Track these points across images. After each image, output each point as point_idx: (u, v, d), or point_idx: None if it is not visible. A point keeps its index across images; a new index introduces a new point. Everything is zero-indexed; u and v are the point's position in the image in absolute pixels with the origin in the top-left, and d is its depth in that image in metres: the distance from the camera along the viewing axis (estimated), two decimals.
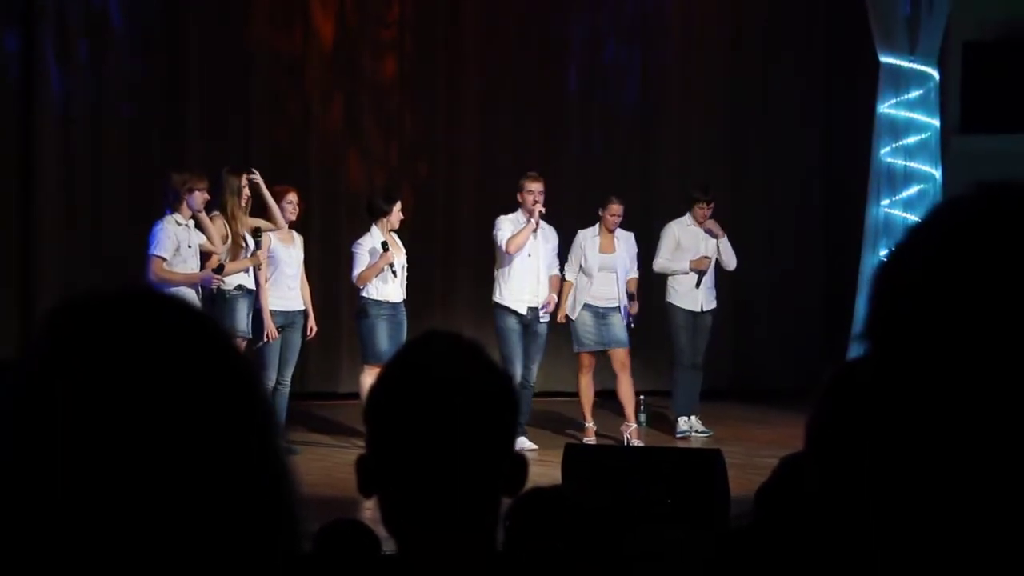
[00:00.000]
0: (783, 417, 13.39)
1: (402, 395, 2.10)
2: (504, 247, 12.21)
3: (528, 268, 12.29)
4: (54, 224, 14.06)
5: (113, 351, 1.25)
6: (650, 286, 13.30)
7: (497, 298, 12.35)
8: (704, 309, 13.09)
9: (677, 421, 13.10)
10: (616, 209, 12.64)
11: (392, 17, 15.66)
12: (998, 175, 1.26)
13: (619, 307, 12.57)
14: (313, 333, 12.12)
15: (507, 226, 12.28)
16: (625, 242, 12.73)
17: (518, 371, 12.01)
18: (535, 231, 12.25)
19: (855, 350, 13.98)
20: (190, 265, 11.24)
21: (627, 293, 12.61)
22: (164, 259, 11.11)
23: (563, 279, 12.65)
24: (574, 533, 2.91)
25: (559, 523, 2.83)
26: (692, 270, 12.96)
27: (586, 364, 12.62)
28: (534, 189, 12.23)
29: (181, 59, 14.66)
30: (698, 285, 12.97)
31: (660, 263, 13.05)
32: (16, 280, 13.97)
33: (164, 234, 11.14)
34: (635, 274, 12.78)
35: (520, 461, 2.15)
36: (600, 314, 12.55)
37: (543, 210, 12.20)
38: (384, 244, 11.98)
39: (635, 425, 12.64)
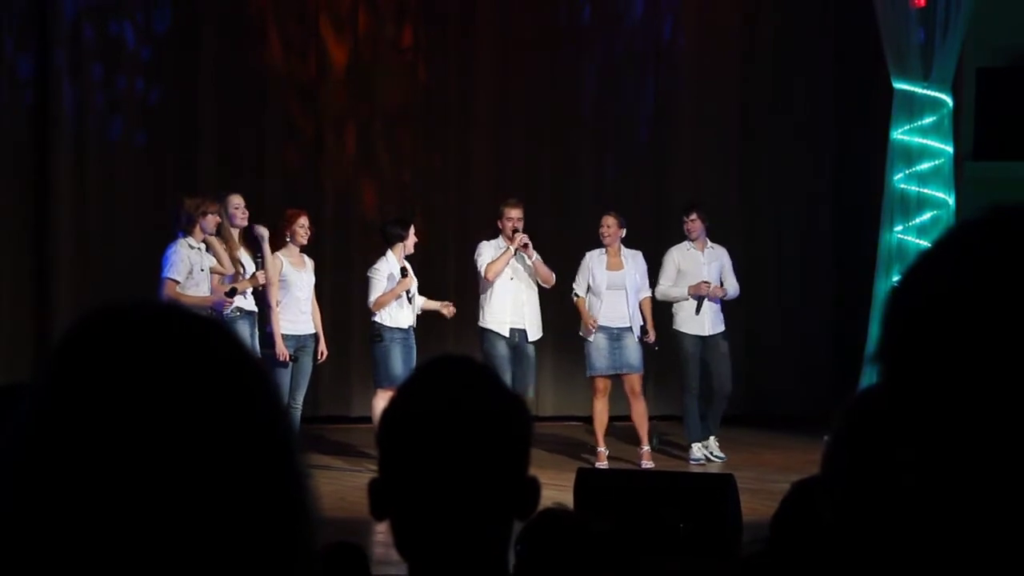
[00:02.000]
0: (795, 442, 13.37)
1: (414, 419, 2.10)
2: (483, 274, 12.31)
3: (508, 290, 12.37)
4: (69, 246, 14.11)
5: (129, 365, 1.25)
6: (659, 311, 13.27)
7: (481, 323, 12.44)
8: (711, 332, 13.05)
9: (691, 448, 13.06)
10: (607, 221, 12.69)
11: (405, 43, 15.69)
12: (1012, 201, 1.26)
13: (631, 327, 12.54)
14: (324, 357, 12.13)
15: (487, 252, 12.43)
16: (633, 260, 12.73)
17: None
18: (522, 255, 12.34)
19: (867, 375, 13.95)
20: (202, 288, 11.26)
21: (642, 317, 12.60)
22: (177, 282, 11.13)
23: (576, 296, 12.70)
24: (586, 557, 2.91)
25: (570, 547, 2.83)
26: (691, 295, 12.93)
27: (600, 388, 12.60)
28: (513, 216, 12.41)
29: (195, 84, 14.71)
30: (697, 311, 12.94)
31: (661, 289, 13.02)
32: (31, 303, 14.01)
33: (178, 257, 11.17)
34: (647, 293, 12.77)
35: (532, 484, 2.15)
36: (614, 335, 12.53)
37: (527, 240, 12.27)
38: (403, 270, 12.04)
39: (647, 447, 12.62)
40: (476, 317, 15.12)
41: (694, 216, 13.16)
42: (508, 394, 2.17)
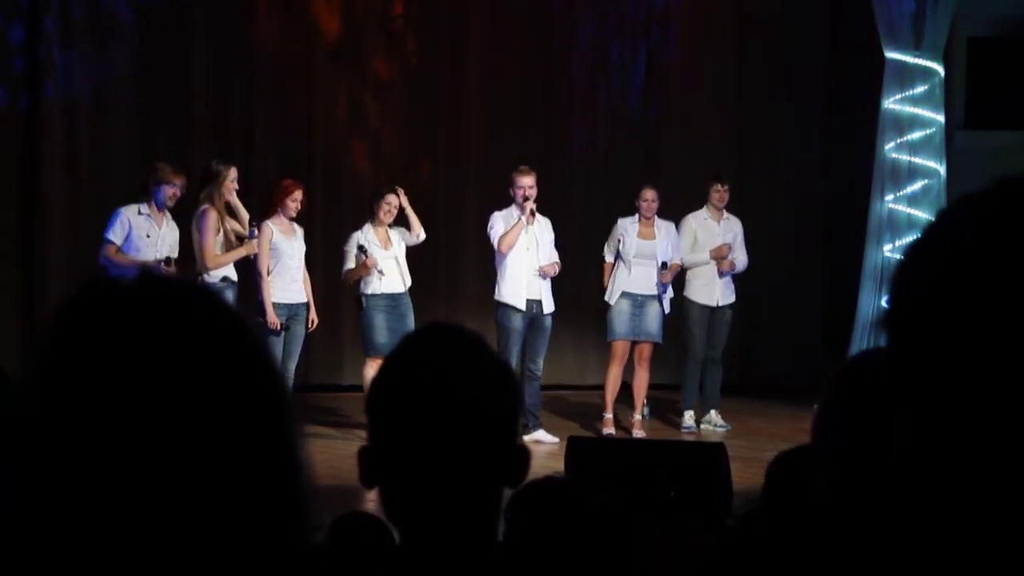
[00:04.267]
0: (785, 410, 13.42)
1: (403, 386, 2.10)
2: (496, 246, 12.19)
3: (524, 262, 12.24)
4: (59, 216, 14.06)
5: (124, 335, 1.26)
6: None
7: (497, 296, 12.29)
8: (720, 303, 13.07)
9: (683, 415, 13.09)
10: (649, 195, 12.63)
11: (396, 12, 15.65)
12: (1002, 171, 1.25)
13: (657, 296, 12.52)
14: (315, 325, 12.12)
15: (500, 223, 12.26)
16: (666, 231, 12.68)
17: (513, 367, 11.92)
18: (528, 225, 12.22)
19: (857, 344, 13.97)
20: (143, 254, 11.29)
21: (662, 263, 12.54)
22: (114, 243, 11.31)
23: (603, 261, 12.72)
24: (577, 525, 2.91)
25: (561, 515, 2.84)
26: (713, 258, 12.95)
27: (619, 354, 12.56)
28: (524, 184, 12.18)
29: (186, 53, 14.66)
30: (721, 274, 12.95)
31: (681, 257, 13.00)
32: (21, 272, 13.96)
33: (118, 220, 11.38)
34: (679, 260, 12.74)
35: (521, 452, 2.16)
36: (638, 302, 12.50)
37: (534, 207, 12.16)
38: (362, 248, 11.96)
39: (639, 416, 12.65)
40: (467, 285, 15.17)
41: (727, 186, 13.15)
42: (496, 361, 2.17)
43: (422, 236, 12.40)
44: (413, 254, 12.48)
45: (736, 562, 2.77)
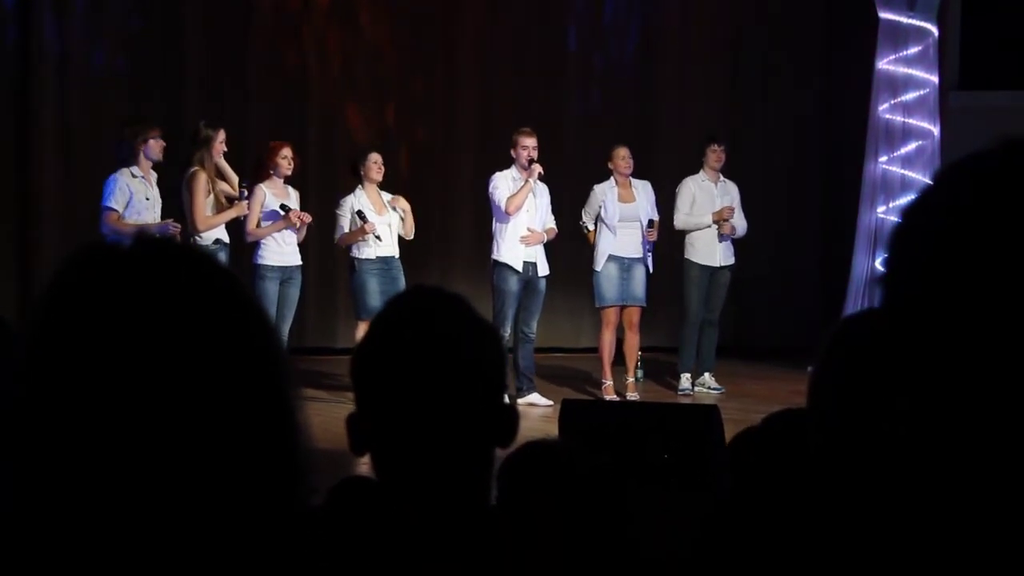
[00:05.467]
0: (779, 372, 13.44)
1: (386, 351, 2.09)
2: (504, 208, 12.15)
3: (523, 223, 12.23)
4: (53, 178, 14.03)
5: (125, 304, 1.26)
6: (673, 240, 13.19)
7: (495, 255, 12.28)
8: (721, 264, 13.02)
9: (680, 378, 13.09)
10: (623, 152, 12.58)
11: None
12: (996, 131, 1.24)
13: (643, 258, 12.51)
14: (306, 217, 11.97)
15: (503, 184, 12.22)
16: (643, 190, 12.64)
17: (508, 329, 12.01)
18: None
19: (851, 305, 13.99)
20: (144, 218, 11.20)
21: (648, 220, 12.49)
22: (116, 210, 11.14)
23: (586, 230, 12.65)
24: (569, 488, 2.91)
25: (553, 478, 2.84)
26: (715, 221, 12.91)
27: (611, 320, 12.55)
28: (528, 144, 12.16)
29: (180, 15, 14.60)
30: (721, 237, 12.89)
31: (681, 219, 12.95)
32: (15, 236, 13.94)
33: (116, 186, 11.16)
34: (657, 217, 12.71)
35: (510, 411, 2.15)
36: (625, 266, 12.47)
37: (542, 171, 12.14)
38: (360, 214, 11.96)
39: (632, 379, 12.66)
40: (462, 248, 15.17)
41: (723, 146, 13.08)
42: (480, 322, 2.17)
43: (411, 237, 12.37)
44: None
45: (731, 525, 2.78)
